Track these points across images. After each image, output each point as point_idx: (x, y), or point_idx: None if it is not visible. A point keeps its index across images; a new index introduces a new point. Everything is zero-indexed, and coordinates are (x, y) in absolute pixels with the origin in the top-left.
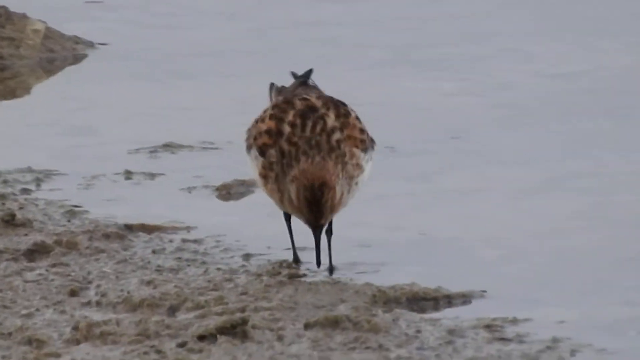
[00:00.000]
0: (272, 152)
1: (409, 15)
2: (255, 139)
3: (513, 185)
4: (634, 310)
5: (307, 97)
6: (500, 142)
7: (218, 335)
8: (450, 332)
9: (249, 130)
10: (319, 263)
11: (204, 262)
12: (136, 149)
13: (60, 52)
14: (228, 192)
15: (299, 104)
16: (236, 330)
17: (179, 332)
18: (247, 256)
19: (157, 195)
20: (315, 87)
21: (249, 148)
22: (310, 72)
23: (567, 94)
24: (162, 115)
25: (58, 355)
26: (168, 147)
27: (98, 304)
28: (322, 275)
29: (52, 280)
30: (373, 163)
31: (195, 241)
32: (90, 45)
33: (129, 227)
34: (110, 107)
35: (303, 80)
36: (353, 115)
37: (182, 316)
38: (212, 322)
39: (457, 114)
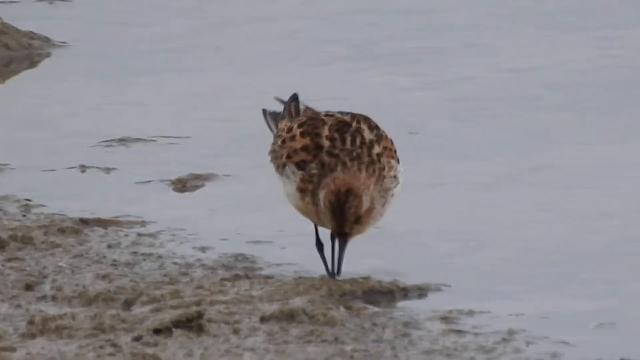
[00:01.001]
0: (313, 165)
1: (367, 10)
2: (289, 157)
3: (471, 178)
4: (592, 303)
5: (331, 113)
6: (459, 136)
7: (174, 329)
8: (406, 324)
9: (274, 152)
10: (339, 273)
11: (159, 256)
12: (91, 143)
13: (16, 48)
14: (184, 185)
15: (328, 120)
16: (192, 323)
17: (134, 326)
18: (202, 250)
19: (113, 190)
20: (309, 109)
21: (281, 167)
22: (296, 96)
23: (526, 88)
24: (118, 110)
25: (13, 349)
26: (123, 141)
27: (53, 298)
28: (278, 268)
29: (8, 274)
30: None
31: (150, 235)
32: (46, 41)
33: (85, 222)
34: (65, 103)
35: (294, 102)
36: (381, 127)
37: (138, 310)
38: (168, 316)
39: (415, 108)
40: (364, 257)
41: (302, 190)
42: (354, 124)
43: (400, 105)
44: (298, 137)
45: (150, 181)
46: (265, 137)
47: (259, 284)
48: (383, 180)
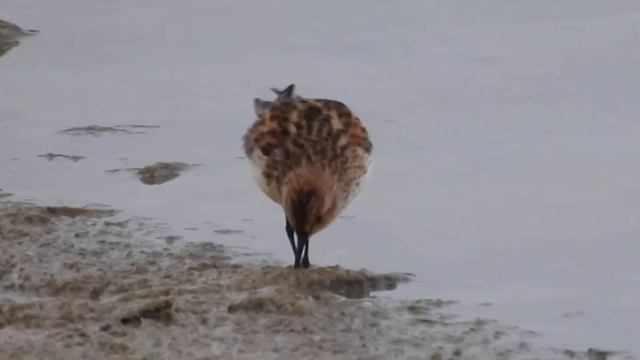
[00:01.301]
0: (277, 152)
1: (332, 0)
2: (256, 140)
3: (440, 169)
4: (560, 292)
5: (306, 99)
6: (427, 127)
7: (142, 319)
8: (375, 314)
9: (246, 137)
10: (297, 265)
11: (127, 245)
12: (59, 131)
13: None
14: (152, 175)
15: (299, 105)
16: (160, 313)
17: (102, 315)
18: (170, 239)
19: (81, 179)
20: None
21: (250, 151)
22: (292, 87)
23: (494, 79)
24: (86, 99)
25: None
26: (91, 130)
27: (21, 287)
28: (246, 257)
29: None
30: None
31: (118, 224)
32: (15, 29)
33: (52, 211)
34: (33, 92)
35: (287, 94)
36: (354, 114)
37: (106, 299)
38: (136, 306)
39: (384, 98)
40: (332, 247)
41: (267, 176)
42: (324, 112)
43: (369, 96)
44: (267, 120)
45: (118, 170)
46: (233, 127)
47: (227, 273)
48: (345, 172)
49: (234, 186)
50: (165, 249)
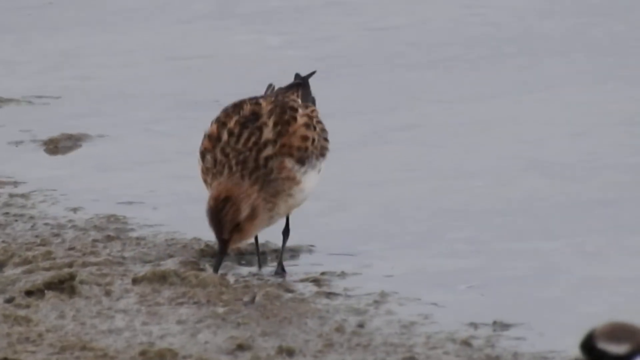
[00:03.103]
0: (208, 158)
1: None
2: (202, 142)
3: (336, 137)
4: (460, 262)
5: (260, 101)
6: (325, 94)
7: (46, 291)
8: (278, 287)
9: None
10: (215, 271)
11: (31, 217)
12: None
13: None
14: (55, 146)
15: (246, 109)
16: (64, 285)
17: (6, 287)
18: (74, 210)
19: None
20: (305, 88)
21: (199, 150)
22: (311, 74)
23: (391, 46)
24: None
25: None
26: None
27: None
28: (149, 229)
29: None
30: (319, 172)
31: (22, 196)
32: None
33: None
34: None
35: (299, 81)
36: (300, 122)
37: (10, 272)
38: (40, 278)
39: (283, 67)
40: None
41: (204, 181)
42: (263, 118)
43: (268, 64)
44: (213, 123)
45: (22, 141)
46: (135, 96)
47: (131, 245)
48: (269, 185)
49: (137, 156)
50: (70, 220)
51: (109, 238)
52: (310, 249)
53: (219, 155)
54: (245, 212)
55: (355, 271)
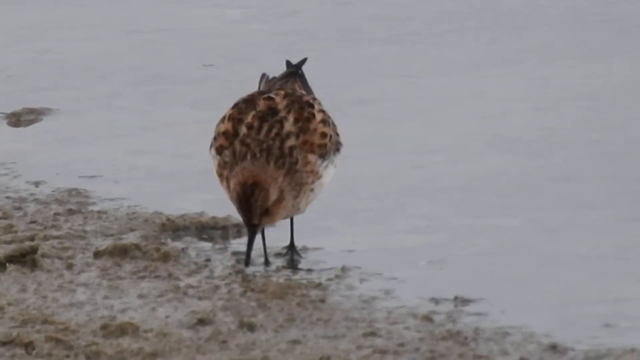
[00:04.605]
0: (227, 152)
1: None
2: (215, 138)
3: None
4: (421, 238)
5: (273, 95)
6: (284, 68)
7: (7, 264)
8: (240, 261)
9: (216, 128)
10: (247, 263)
11: None
12: None
13: None
14: (18, 119)
15: (261, 105)
16: (25, 258)
17: None
18: (36, 184)
19: None
20: (302, 78)
21: (210, 147)
22: (303, 61)
23: (353, 21)
24: None
25: None
26: None
27: None
28: (111, 203)
29: None
30: (335, 166)
31: None
32: None
33: None
34: None
35: (293, 70)
36: (318, 118)
37: None
38: (1, 251)
39: (243, 41)
40: (197, 193)
41: (220, 175)
42: (282, 113)
43: (230, 38)
44: (226, 120)
45: None
46: (96, 69)
47: (93, 219)
48: (295, 174)
49: (99, 131)
50: (31, 193)
51: (71, 212)
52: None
53: (238, 147)
54: (273, 196)
55: (317, 245)
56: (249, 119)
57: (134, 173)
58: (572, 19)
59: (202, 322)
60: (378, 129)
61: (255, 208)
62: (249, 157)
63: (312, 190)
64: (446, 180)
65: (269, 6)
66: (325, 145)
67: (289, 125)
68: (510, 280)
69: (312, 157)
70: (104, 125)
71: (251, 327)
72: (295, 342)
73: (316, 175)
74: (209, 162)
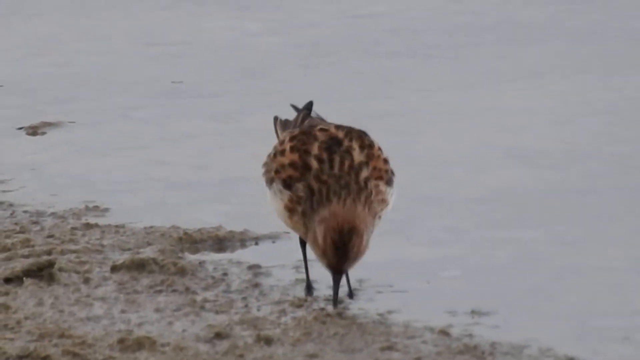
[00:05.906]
0: (300, 187)
1: None
2: (277, 172)
3: None
4: (439, 250)
5: (326, 127)
6: (304, 82)
7: (24, 278)
8: (257, 274)
9: (266, 164)
10: (335, 305)
11: (10, 204)
12: None
13: None
14: (35, 132)
15: (320, 136)
16: (42, 273)
17: None
18: (54, 198)
19: None
20: (320, 119)
21: (269, 182)
22: (310, 104)
23: (371, 34)
24: None
25: None
26: None
27: None
28: (128, 217)
29: None
30: (394, 194)
31: (1, 182)
32: None
33: None
34: None
35: (306, 112)
36: (376, 145)
37: None
38: (19, 265)
39: (260, 54)
40: (215, 205)
41: (290, 210)
42: (346, 142)
43: (248, 51)
44: (287, 152)
45: (1, 128)
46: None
47: (110, 233)
48: (371, 206)
49: (115, 142)
50: (49, 207)
51: (88, 226)
52: (289, 236)
53: (314, 184)
54: (366, 241)
55: None
56: (315, 150)
57: (152, 186)
58: (590, 33)
59: (219, 336)
60: (396, 141)
61: (351, 255)
62: (332, 197)
63: (379, 218)
64: (464, 192)
65: (287, 19)
66: (388, 171)
67: (357, 155)
68: (528, 293)
69: (382, 186)
70: (122, 137)
71: (268, 341)
72: (312, 356)
73: (385, 204)
74: (263, 196)
